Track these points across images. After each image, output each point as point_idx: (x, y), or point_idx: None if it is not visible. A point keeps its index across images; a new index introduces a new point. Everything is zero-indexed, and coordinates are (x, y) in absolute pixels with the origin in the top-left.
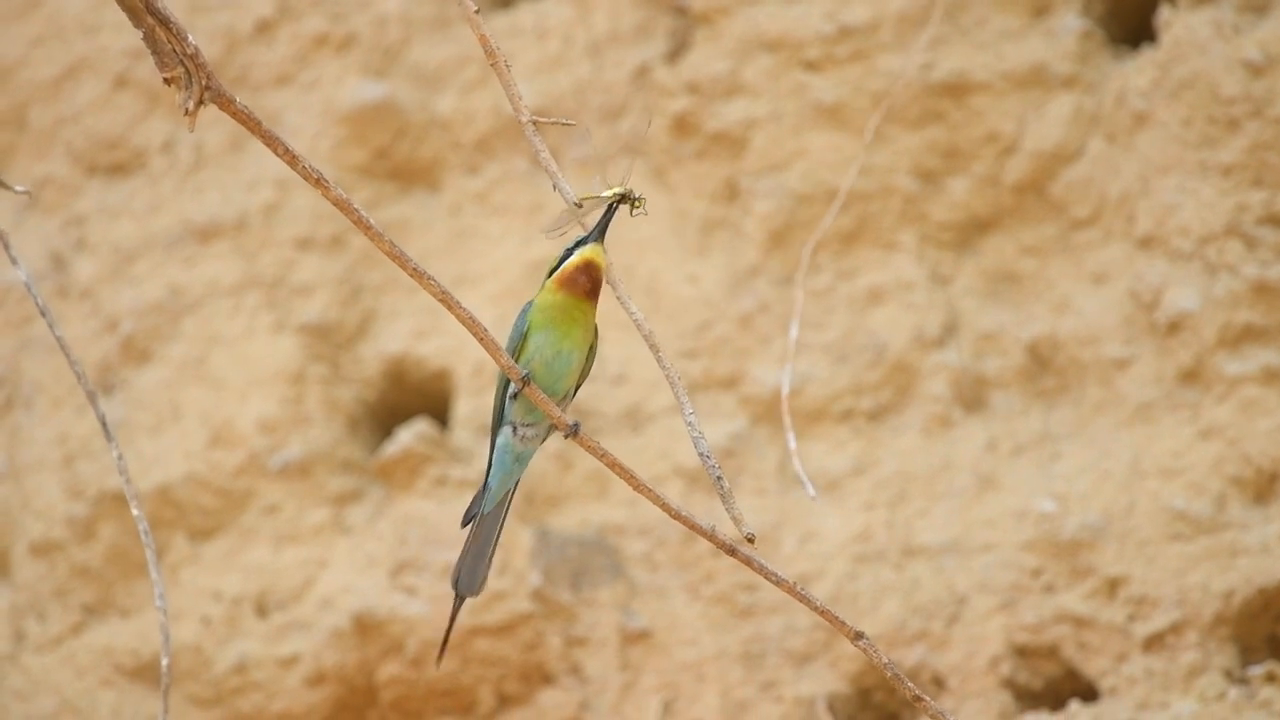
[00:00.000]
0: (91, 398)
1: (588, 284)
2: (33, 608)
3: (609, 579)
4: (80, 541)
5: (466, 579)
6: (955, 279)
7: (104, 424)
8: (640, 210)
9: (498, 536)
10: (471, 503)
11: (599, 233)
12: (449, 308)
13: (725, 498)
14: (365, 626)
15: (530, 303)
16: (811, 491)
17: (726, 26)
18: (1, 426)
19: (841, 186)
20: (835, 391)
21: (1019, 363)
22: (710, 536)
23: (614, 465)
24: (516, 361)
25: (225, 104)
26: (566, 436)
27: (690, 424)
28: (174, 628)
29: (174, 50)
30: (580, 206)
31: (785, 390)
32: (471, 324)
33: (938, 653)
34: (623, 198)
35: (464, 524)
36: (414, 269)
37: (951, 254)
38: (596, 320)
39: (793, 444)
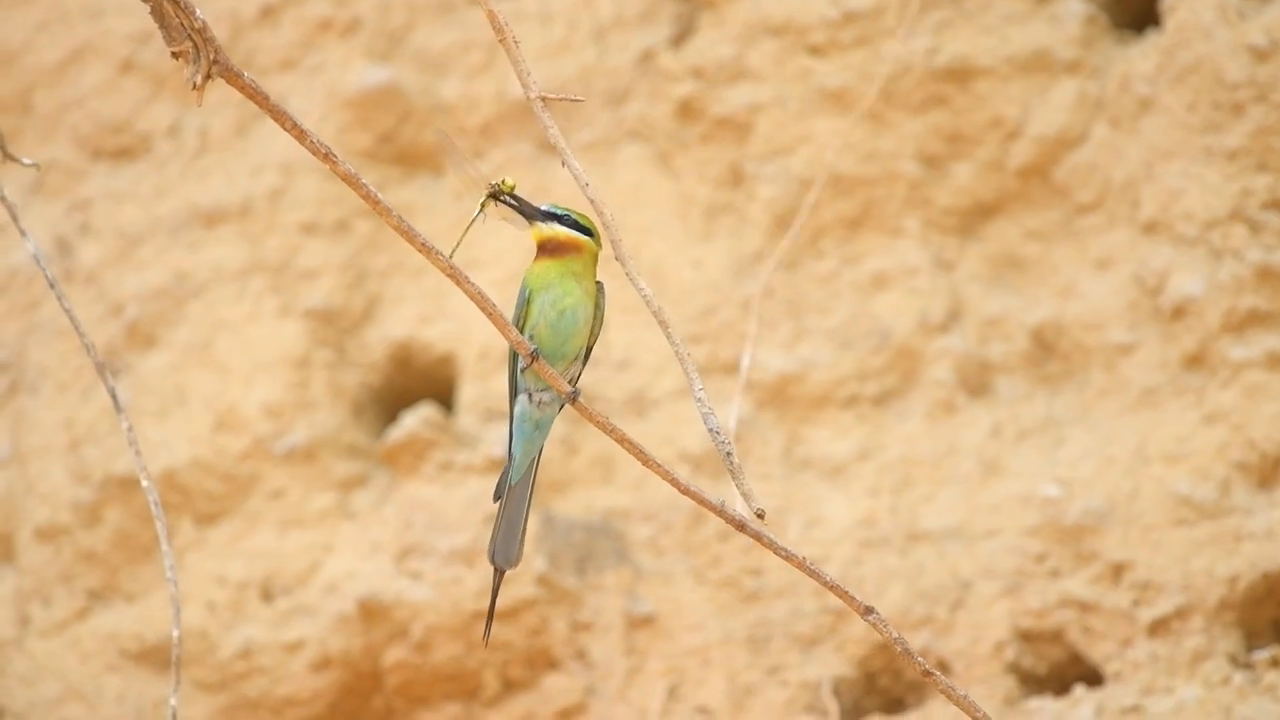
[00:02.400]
0: (100, 370)
1: (554, 248)
2: (38, 592)
3: (614, 563)
4: (85, 526)
5: (502, 552)
6: (959, 264)
7: (114, 396)
8: (508, 196)
9: (528, 506)
10: (500, 477)
11: (525, 218)
12: (457, 283)
13: (735, 473)
14: (370, 611)
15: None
16: (759, 506)
17: (731, 11)
18: (7, 411)
19: (837, 170)
20: (840, 377)
21: (1023, 348)
22: (719, 511)
23: (623, 440)
24: (523, 328)
25: (233, 78)
26: (564, 404)
27: (699, 400)
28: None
29: (181, 25)
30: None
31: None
32: (480, 299)
33: (942, 638)
34: (494, 194)
35: (495, 499)
36: (422, 244)
37: (956, 239)
38: (600, 281)
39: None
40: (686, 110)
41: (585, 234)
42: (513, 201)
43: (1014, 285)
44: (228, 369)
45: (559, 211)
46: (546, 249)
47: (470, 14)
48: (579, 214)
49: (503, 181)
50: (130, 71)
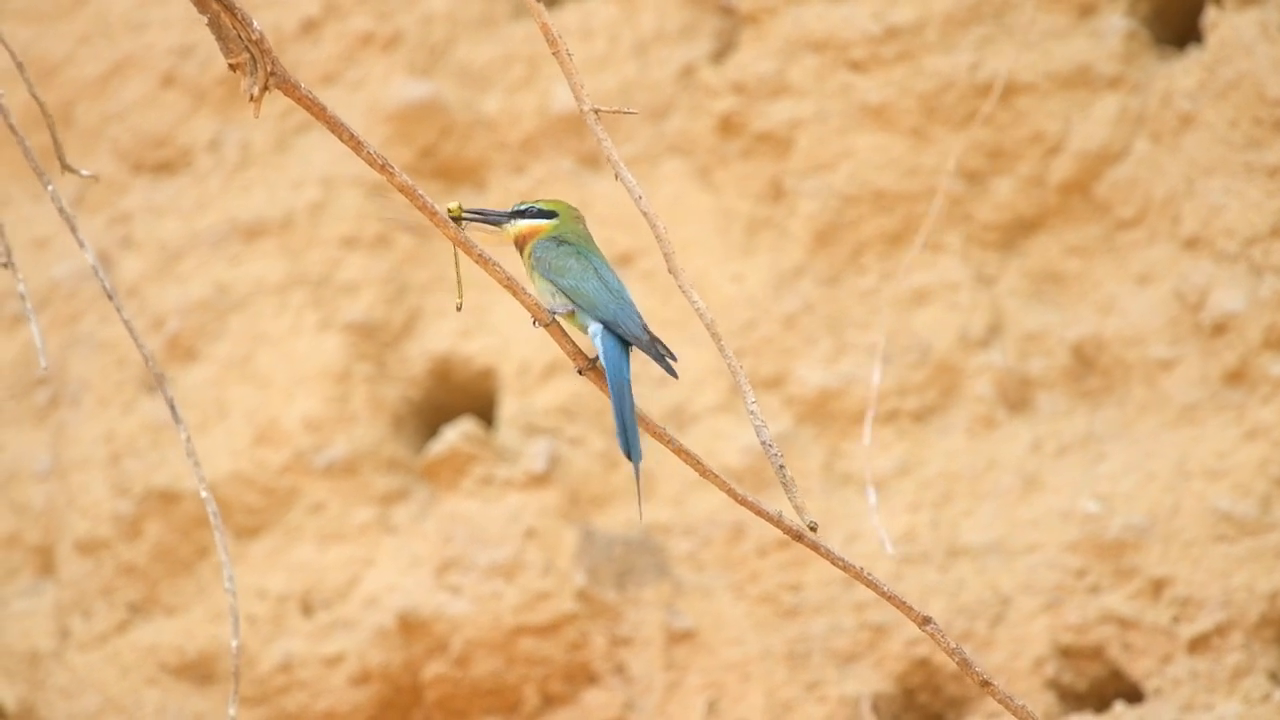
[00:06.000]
0: (160, 380)
1: (522, 242)
2: (78, 605)
3: (654, 578)
4: (126, 539)
5: (621, 442)
6: (1000, 279)
7: (171, 406)
8: (467, 213)
9: (628, 396)
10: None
11: (494, 225)
12: (514, 294)
13: (787, 487)
14: (410, 625)
15: None
16: (890, 549)
17: (773, 26)
18: (48, 424)
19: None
20: (880, 392)
21: (1064, 363)
22: (777, 522)
23: (679, 451)
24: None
25: (289, 89)
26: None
27: (753, 412)
28: (219, 626)
29: (239, 36)
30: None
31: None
32: (537, 310)
33: (982, 653)
34: (455, 218)
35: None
36: (479, 255)
37: (996, 254)
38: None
39: (873, 498)
40: (727, 125)
41: (549, 217)
42: (475, 216)
43: (1054, 301)
44: (268, 383)
45: (523, 207)
46: (519, 244)
47: (511, 29)
48: (545, 201)
49: (450, 209)
50: (171, 85)
